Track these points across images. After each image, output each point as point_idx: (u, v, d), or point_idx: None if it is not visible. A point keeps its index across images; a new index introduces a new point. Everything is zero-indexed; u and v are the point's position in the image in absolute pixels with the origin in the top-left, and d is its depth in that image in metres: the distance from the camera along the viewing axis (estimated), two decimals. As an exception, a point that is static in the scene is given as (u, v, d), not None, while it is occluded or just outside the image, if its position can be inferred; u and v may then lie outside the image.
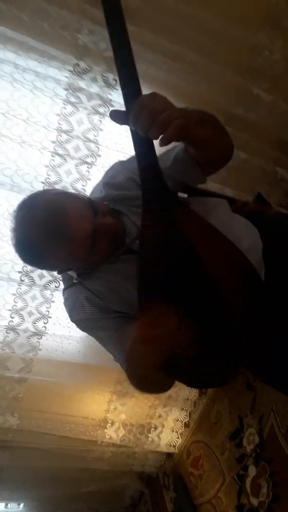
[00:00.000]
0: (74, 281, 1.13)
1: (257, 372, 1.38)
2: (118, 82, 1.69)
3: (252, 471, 2.19)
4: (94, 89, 1.74)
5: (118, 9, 0.81)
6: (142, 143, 0.86)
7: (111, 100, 1.76)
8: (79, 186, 1.91)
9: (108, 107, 1.77)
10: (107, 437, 2.54)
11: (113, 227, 1.04)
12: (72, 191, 1.90)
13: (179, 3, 1.59)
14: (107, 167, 1.22)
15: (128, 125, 0.84)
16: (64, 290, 1.20)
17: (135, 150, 0.88)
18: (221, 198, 1.22)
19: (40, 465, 2.55)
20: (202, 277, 0.93)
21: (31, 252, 1.03)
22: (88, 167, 1.88)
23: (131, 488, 2.92)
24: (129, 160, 1.20)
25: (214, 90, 1.69)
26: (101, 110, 1.78)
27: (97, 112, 1.79)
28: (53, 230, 0.97)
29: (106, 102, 1.76)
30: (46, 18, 1.57)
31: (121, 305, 1.09)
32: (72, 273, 1.15)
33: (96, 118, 1.80)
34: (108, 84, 1.74)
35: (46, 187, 1.87)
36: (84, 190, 1.92)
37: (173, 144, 0.87)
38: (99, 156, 1.86)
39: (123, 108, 0.84)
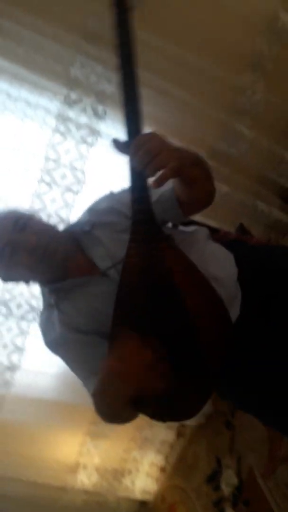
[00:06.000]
0: (49, 302, 1.15)
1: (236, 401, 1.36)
2: (107, 113, 1.80)
3: (229, 514, 2.11)
4: (83, 119, 1.79)
5: (130, 45, 0.86)
6: (136, 176, 0.91)
7: (99, 130, 1.81)
8: (63, 214, 1.92)
9: (97, 138, 1.82)
10: (79, 482, 2.39)
11: (32, 245, 1.08)
12: (56, 218, 1.90)
13: (168, 44, 1.69)
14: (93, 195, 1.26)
15: (127, 155, 0.88)
16: (40, 313, 1.22)
17: (130, 182, 0.93)
18: (202, 227, 1.25)
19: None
20: (179, 309, 0.95)
21: None
22: (73, 195, 1.90)
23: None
24: (119, 192, 1.23)
25: (199, 126, 1.77)
26: (89, 139, 1.82)
27: (85, 142, 1.82)
28: None
29: (94, 132, 1.81)
30: (40, 51, 1.63)
31: (89, 323, 1.09)
32: (50, 295, 1.15)
33: (83, 147, 1.83)
34: (97, 115, 1.79)
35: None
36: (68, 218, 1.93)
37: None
38: (84, 183, 1.88)
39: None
